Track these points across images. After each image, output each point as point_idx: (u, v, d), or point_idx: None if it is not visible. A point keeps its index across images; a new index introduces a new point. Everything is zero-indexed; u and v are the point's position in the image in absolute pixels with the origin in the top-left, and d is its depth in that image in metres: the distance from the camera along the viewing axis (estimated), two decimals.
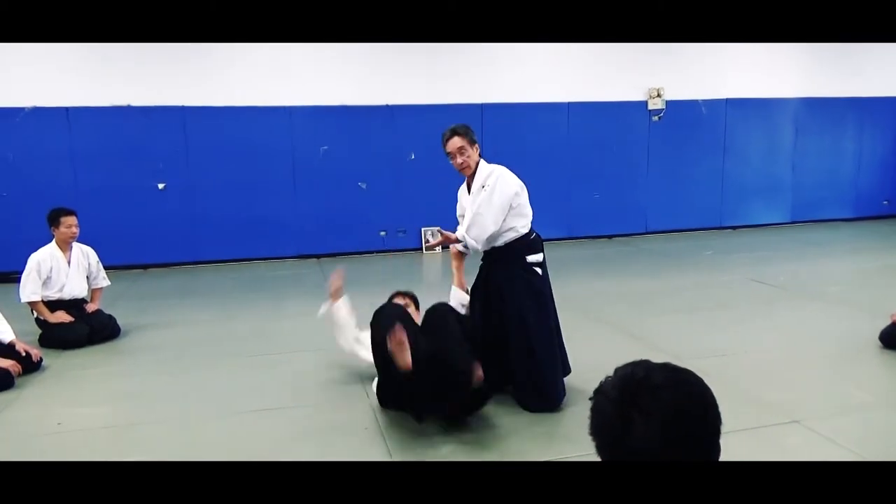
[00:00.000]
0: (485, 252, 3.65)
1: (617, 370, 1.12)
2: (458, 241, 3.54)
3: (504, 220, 3.49)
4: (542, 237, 3.71)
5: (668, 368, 1.09)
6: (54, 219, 5.01)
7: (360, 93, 8.26)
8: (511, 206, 3.49)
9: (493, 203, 3.45)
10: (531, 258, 3.53)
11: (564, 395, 3.53)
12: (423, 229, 8.61)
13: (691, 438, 1.04)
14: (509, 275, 3.52)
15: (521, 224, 3.55)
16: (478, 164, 3.59)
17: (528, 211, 3.60)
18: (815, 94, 9.96)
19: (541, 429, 3.31)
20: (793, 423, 3.30)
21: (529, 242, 3.56)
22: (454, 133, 3.52)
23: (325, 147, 8.23)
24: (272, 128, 8.03)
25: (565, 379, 3.61)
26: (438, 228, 3.74)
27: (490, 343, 3.49)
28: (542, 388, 3.46)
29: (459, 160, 3.53)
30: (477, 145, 3.58)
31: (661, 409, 1.02)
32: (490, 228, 3.45)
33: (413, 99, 8.42)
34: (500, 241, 3.56)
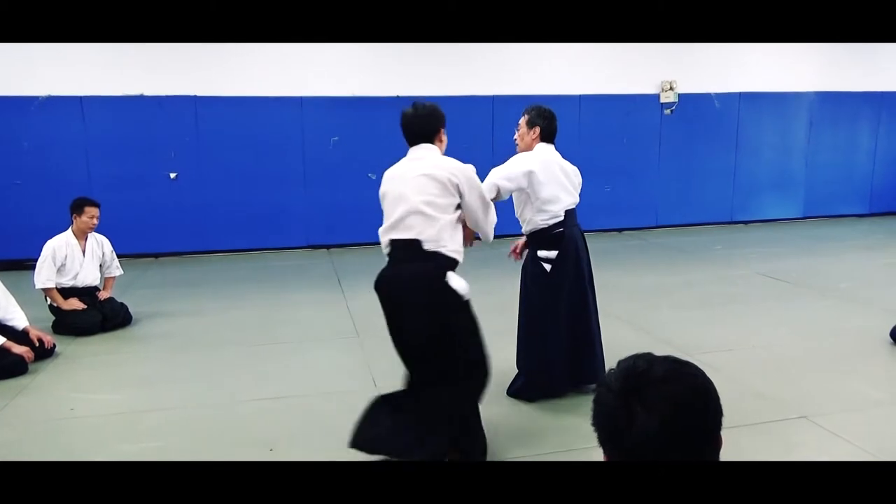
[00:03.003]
0: None
1: (620, 362, 1.13)
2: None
3: (508, 189, 3.47)
4: None
5: (670, 361, 1.10)
6: (79, 207, 5.06)
7: (370, 83, 8.26)
8: (522, 185, 3.47)
9: (503, 168, 3.52)
10: (542, 253, 3.58)
11: (527, 389, 3.59)
12: None
13: (692, 431, 1.04)
14: (524, 262, 3.74)
15: (540, 217, 3.55)
16: (531, 148, 3.63)
17: (546, 205, 3.53)
18: (830, 89, 9.84)
19: (555, 420, 3.33)
20: (801, 418, 3.29)
21: (546, 237, 3.58)
22: (525, 111, 3.74)
23: (336, 138, 8.25)
24: (283, 118, 8.05)
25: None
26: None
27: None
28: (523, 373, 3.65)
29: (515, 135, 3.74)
30: (536, 129, 3.65)
31: (663, 402, 1.03)
32: (487, 187, 3.35)
33: (424, 90, 8.39)
34: (526, 227, 3.65)
